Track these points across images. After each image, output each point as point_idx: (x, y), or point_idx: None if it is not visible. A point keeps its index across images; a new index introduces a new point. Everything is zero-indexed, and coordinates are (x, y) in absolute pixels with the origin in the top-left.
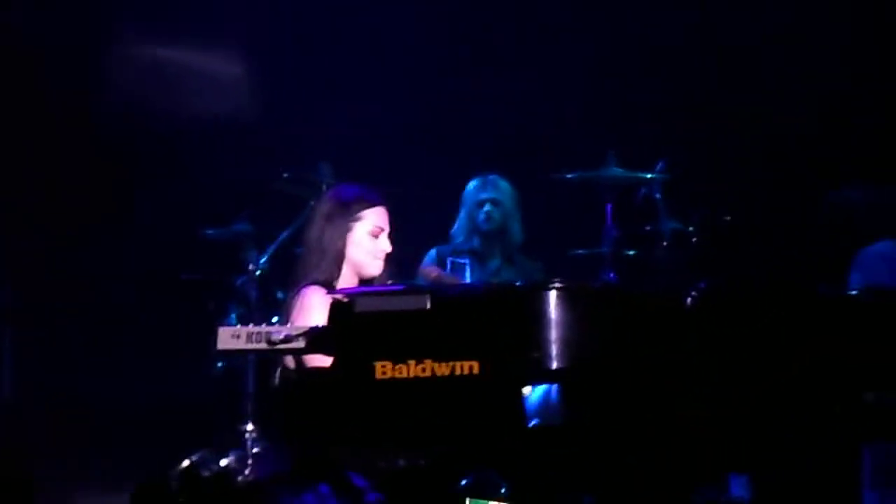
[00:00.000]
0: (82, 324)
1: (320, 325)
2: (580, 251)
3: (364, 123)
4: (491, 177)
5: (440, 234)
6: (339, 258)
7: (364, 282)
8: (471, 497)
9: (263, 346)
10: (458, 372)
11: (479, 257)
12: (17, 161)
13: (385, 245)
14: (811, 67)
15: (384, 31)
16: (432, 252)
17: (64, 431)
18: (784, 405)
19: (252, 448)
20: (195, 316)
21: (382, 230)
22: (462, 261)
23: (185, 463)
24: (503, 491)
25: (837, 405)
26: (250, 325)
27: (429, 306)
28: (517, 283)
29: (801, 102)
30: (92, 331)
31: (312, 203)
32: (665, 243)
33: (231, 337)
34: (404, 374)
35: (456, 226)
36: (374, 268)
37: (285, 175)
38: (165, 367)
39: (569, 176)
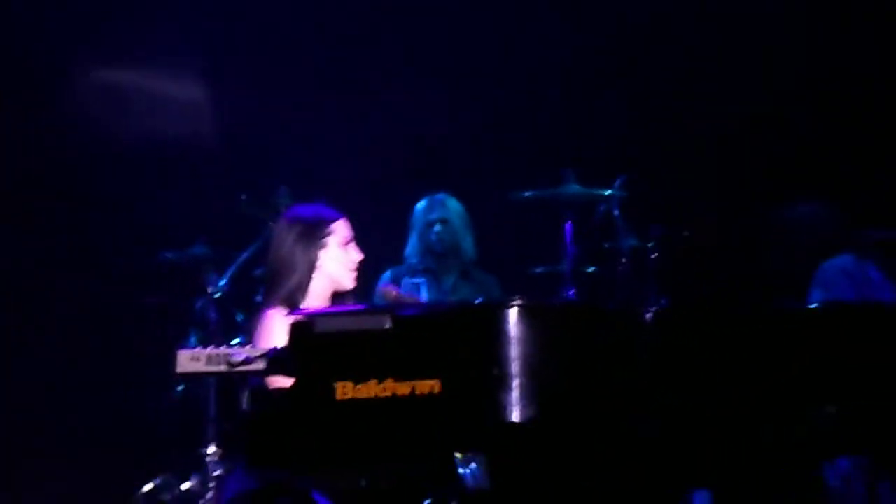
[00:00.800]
0: (40, 348)
1: (280, 346)
2: (540, 269)
3: (320, 146)
4: (439, 196)
5: (393, 256)
6: (309, 277)
7: (336, 297)
8: None
9: (223, 368)
10: (419, 391)
11: (434, 276)
12: None
13: (357, 254)
14: (768, 82)
15: (341, 53)
16: (387, 273)
17: (23, 455)
18: (745, 420)
19: (213, 471)
20: (154, 339)
21: (352, 240)
22: (417, 280)
23: (148, 487)
24: None
25: (799, 419)
26: (210, 348)
27: (389, 326)
28: (477, 301)
29: (758, 118)
30: (50, 355)
31: (271, 225)
32: (624, 260)
33: (190, 360)
34: (365, 394)
35: (408, 247)
36: (351, 279)
37: (243, 197)
38: (125, 391)
39: (527, 194)
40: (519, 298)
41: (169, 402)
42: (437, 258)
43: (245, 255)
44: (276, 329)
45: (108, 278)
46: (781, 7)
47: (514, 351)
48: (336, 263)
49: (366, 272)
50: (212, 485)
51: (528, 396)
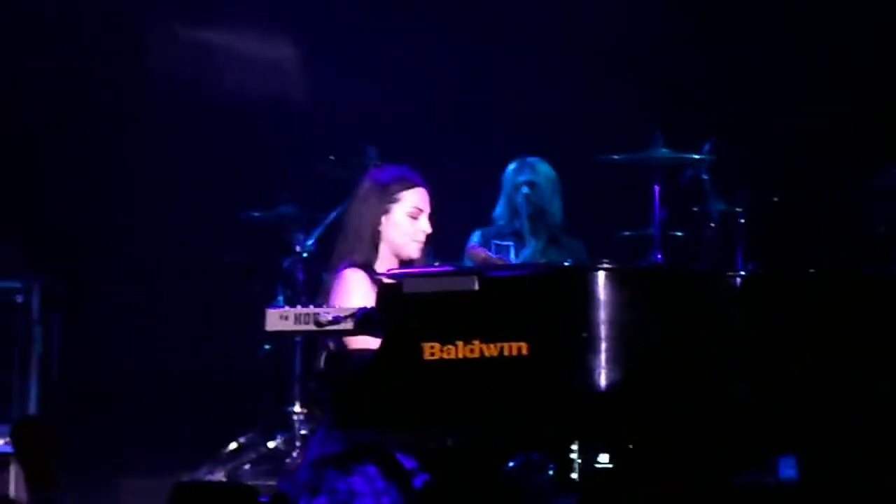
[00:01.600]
0: (128, 310)
1: (367, 306)
2: (627, 233)
3: (411, 107)
4: (529, 159)
5: (483, 217)
6: (375, 240)
7: (403, 263)
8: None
9: (312, 327)
10: (506, 353)
11: (521, 238)
12: (57, 144)
13: (425, 226)
14: (862, 45)
15: (432, 14)
16: (476, 234)
17: (112, 415)
18: (833, 386)
19: (299, 430)
20: (241, 299)
21: (422, 212)
22: (506, 243)
23: (233, 445)
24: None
25: (886, 385)
26: (298, 307)
27: (477, 287)
28: (565, 264)
29: (850, 80)
30: (138, 316)
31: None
32: (712, 224)
33: (279, 318)
34: (452, 355)
35: (497, 209)
36: (412, 250)
37: (331, 157)
38: (212, 351)
39: (616, 157)
40: (607, 262)
41: (256, 362)
42: (525, 220)
43: (332, 215)
44: (351, 288)
45: (195, 237)
46: None
47: (603, 314)
48: (397, 230)
49: (456, 233)
50: (297, 444)
51: (616, 359)
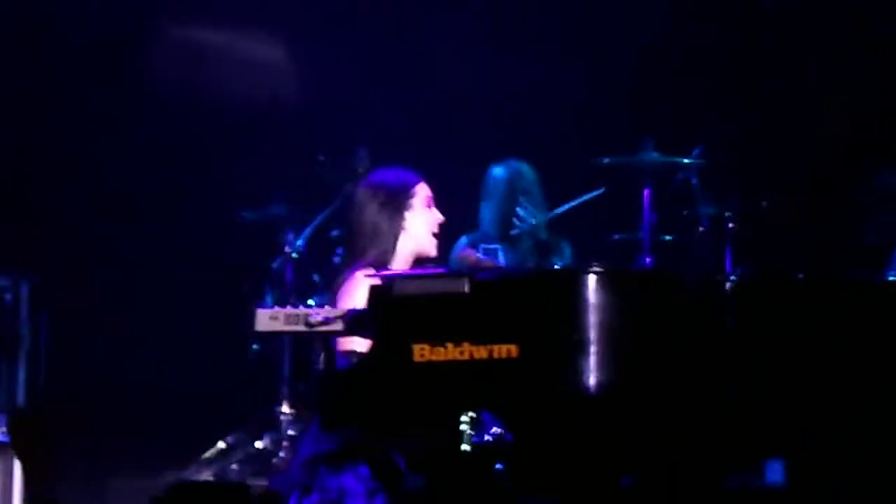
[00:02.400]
0: (117, 309)
1: (358, 308)
2: (617, 236)
3: (402, 109)
4: (514, 164)
5: (468, 221)
6: (396, 241)
7: (417, 263)
8: None
9: (301, 327)
10: (496, 355)
11: (510, 241)
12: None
13: (438, 214)
14: (854, 51)
15: (423, 14)
16: (463, 239)
17: (100, 414)
18: (821, 390)
19: (287, 430)
20: (231, 299)
21: (432, 200)
22: (494, 246)
23: (221, 445)
24: None
25: (875, 390)
26: (288, 307)
27: (467, 289)
28: (556, 267)
29: (839, 86)
30: (127, 315)
31: (349, 187)
32: (702, 228)
33: (269, 319)
34: (442, 357)
35: (484, 213)
36: (433, 245)
37: (321, 158)
38: (200, 350)
39: (606, 161)
40: (598, 265)
41: (244, 362)
42: (514, 227)
43: (322, 215)
44: (360, 290)
45: (185, 237)
46: None
47: (593, 317)
48: (423, 224)
49: (442, 237)
50: (285, 444)
51: (605, 362)
